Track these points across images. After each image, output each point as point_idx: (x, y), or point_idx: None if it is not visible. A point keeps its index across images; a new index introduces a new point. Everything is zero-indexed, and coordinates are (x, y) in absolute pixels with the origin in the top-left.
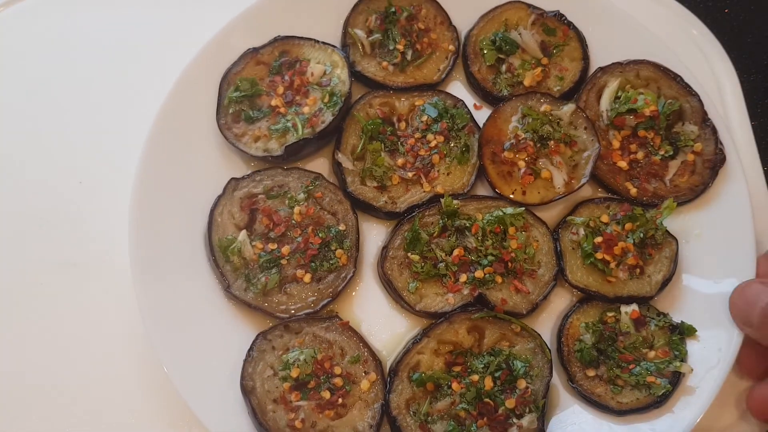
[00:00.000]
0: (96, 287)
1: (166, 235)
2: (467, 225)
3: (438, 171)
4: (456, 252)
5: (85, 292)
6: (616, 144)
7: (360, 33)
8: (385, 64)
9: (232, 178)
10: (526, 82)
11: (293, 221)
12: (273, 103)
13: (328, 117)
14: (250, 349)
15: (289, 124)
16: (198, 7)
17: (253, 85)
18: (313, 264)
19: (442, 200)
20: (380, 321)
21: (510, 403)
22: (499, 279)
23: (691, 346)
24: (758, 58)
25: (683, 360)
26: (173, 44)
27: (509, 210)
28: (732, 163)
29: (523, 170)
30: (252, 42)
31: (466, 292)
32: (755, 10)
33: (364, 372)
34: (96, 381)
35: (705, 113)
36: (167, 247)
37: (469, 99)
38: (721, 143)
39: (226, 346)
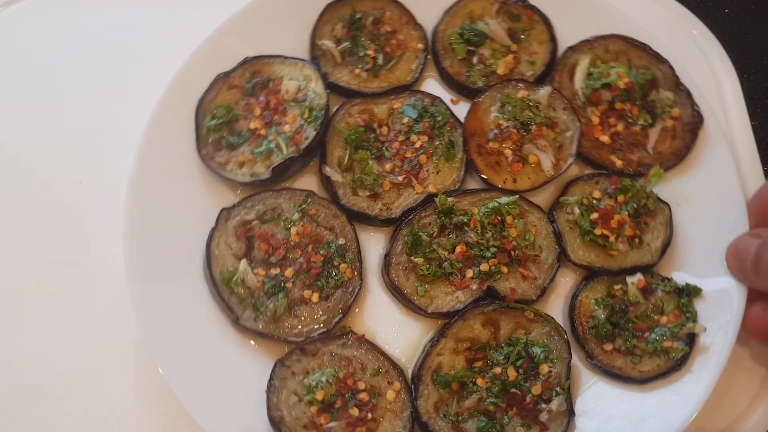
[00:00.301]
0: (96, 287)
1: (164, 275)
2: (465, 220)
3: (427, 171)
4: (458, 249)
5: (85, 292)
6: (595, 120)
7: (329, 43)
8: (357, 71)
9: (223, 209)
10: (500, 71)
11: (292, 242)
12: (252, 126)
13: (310, 132)
14: (271, 378)
15: (272, 145)
16: (198, 7)
17: (229, 111)
18: (318, 282)
19: (437, 199)
20: (394, 329)
21: (536, 389)
22: (504, 269)
23: (700, 306)
24: (758, 58)
25: (695, 321)
26: (173, 44)
27: (504, 199)
28: (710, 124)
29: (510, 158)
30: (221, 66)
31: (474, 287)
32: (755, 10)
33: (388, 382)
34: (96, 381)
35: (677, 78)
36: (167, 287)
37: (445, 95)
38: (696, 105)
39: (240, 374)
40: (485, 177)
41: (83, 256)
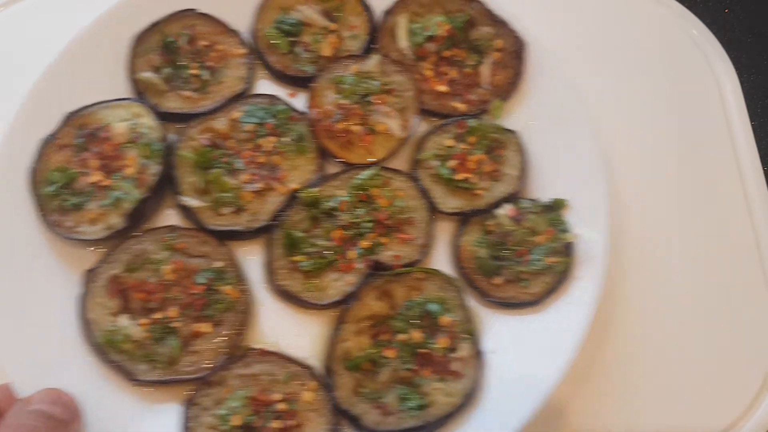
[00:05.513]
0: None
1: (44, 359)
2: (334, 206)
3: (284, 169)
4: (336, 235)
5: None
6: (429, 73)
7: (148, 74)
8: (186, 93)
9: (87, 271)
10: (326, 53)
11: (168, 282)
12: (92, 180)
13: (155, 168)
14: (186, 422)
15: (119, 193)
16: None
17: (64, 172)
18: (207, 312)
19: (299, 194)
20: (296, 331)
21: (443, 342)
22: (384, 240)
23: (572, 217)
24: (758, 58)
25: (566, 231)
26: None
27: (365, 174)
28: (534, 46)
29: (360, 133)
30: (45, 129)
31: (360, 266)
32: (755, 10)
33: (302, 385)
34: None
35: (490, 11)
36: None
37: (281, 91)
38: (515, 32)
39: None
40: (339, 157)
41: None
